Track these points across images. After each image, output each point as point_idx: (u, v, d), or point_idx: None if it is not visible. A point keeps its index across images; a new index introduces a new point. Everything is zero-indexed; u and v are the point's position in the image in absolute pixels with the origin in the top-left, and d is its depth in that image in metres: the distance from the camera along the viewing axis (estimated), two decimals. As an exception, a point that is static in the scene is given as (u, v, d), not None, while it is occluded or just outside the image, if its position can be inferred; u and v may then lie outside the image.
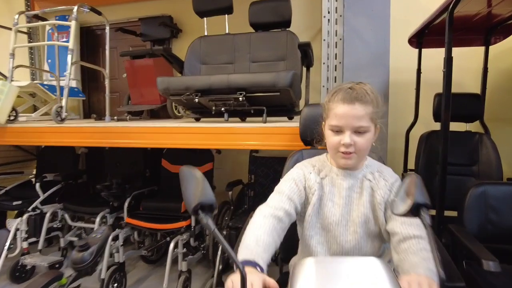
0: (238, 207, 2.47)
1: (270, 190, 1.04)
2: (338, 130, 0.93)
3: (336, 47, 1.61)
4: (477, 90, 2.57)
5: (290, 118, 2.19)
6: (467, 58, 2.60)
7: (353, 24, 1.81)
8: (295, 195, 1.00)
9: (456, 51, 2.57)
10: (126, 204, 2.35)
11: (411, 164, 2.39)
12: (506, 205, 1.41)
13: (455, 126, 2.15)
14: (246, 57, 2.47)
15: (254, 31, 2.45)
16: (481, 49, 2.37)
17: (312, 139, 1.34)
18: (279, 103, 2.00)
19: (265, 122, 1.87)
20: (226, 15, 2.44)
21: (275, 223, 0.92)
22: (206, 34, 2.52)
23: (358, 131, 0.92)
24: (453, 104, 2.05)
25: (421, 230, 0.85)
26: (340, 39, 1.58)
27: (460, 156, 2.07)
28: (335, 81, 1.63)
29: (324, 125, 1.02)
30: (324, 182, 1.03)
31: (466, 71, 2.63)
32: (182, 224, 2.17)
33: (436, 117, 2.09)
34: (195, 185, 0.65)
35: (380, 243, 1.00)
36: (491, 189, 1.44)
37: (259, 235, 0.87)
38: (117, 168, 2.82)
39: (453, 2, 1.36)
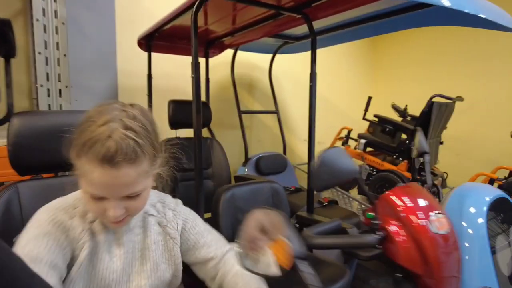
0: None
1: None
2: (100, 198, 0.62)
3: (57, 33, 1.15)
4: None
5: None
6: (189, 67, 2.79)
7: (75, 12, 1.40)
8: (59, 257, 0.62)
9: (178, 61, 2.71)
10: None
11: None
12: (247, 203, 1.54)
13: (185, 133, 2.21)
14: None
15: None
16: (202, 59, 2.59)
17: (32, 165, 0.95)
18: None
19: None
20: None
21: None
22: None
23: (129, 197, 0.63)
24: (186, 111, 2.10)
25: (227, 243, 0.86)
26: (63, 23, 1.14)
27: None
28: (59, 80, 1.18)
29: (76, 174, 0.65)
30: (95, 227, 0.69)
31: (188, 80, 2.82)
32: None
33: (173, 124, 2.05)
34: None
35: None
36: (237, 191, 1.53)
37: None
38: None
39: (194, 8, 1.30)
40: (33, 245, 0.60)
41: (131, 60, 2.35)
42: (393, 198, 0.93)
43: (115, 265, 0.70)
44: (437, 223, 0.87)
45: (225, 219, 1.45)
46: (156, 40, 2.14)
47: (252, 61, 3.21)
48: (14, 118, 0.98)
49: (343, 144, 3.29)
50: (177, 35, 2.20)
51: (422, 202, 0.92)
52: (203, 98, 2.60)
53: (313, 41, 1.64)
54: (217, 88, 2.93)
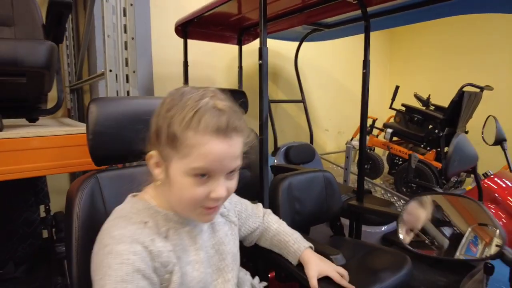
0: None
1: None
2: (206, 177, 0.58)
3: (124, 14, 1.10)
4: (224, 85, 2.76)
5: (32, 120, 1.41)
6: (216, 55, 2.73)
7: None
8: None
9: (204, 48, 2.64)
10: None
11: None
12: (304, 192, 1.52)
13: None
14: None
15: None
16: (227, 47, 2.54)
17: (109, 155, 0.89)
18: (16, 97, 1.21)
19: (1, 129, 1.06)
20: None
21: None
22: None
23: (229, 174, 0.61)
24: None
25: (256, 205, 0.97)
26: (131, 4, 1.09)
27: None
28: (126, 64, 1.13)
29: (160, 161, 0.62)
30: (171, 237, 0.64)
31: (215, 68, 2.76)
32: None
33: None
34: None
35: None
36: (294, 180, 1.50)
37: None
38: None
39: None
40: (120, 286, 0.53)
41: (163, 47, 2.29)
42: (489, 183, 0.92)
43: (198, 273, 0.66)
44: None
45: (284, 209, 1.43)
46: (191, 26, 2.09)
47: (275, 49, 3.16)
48: (91, 104, 0.92)
49: (367, 134, 3.28)
50: (214, 22, 2.15)
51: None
52: (235, 86, 2.56)
53: (367, 27, 1.61)
54: (247, 76, 2.89)
